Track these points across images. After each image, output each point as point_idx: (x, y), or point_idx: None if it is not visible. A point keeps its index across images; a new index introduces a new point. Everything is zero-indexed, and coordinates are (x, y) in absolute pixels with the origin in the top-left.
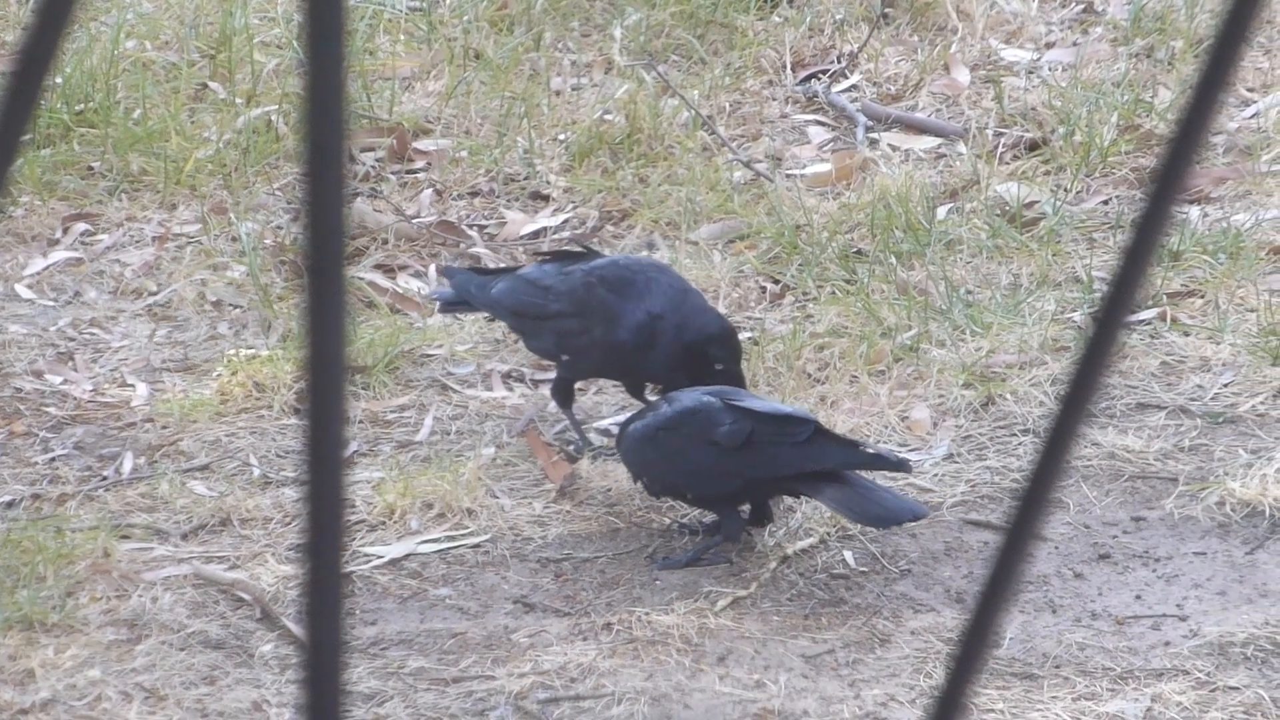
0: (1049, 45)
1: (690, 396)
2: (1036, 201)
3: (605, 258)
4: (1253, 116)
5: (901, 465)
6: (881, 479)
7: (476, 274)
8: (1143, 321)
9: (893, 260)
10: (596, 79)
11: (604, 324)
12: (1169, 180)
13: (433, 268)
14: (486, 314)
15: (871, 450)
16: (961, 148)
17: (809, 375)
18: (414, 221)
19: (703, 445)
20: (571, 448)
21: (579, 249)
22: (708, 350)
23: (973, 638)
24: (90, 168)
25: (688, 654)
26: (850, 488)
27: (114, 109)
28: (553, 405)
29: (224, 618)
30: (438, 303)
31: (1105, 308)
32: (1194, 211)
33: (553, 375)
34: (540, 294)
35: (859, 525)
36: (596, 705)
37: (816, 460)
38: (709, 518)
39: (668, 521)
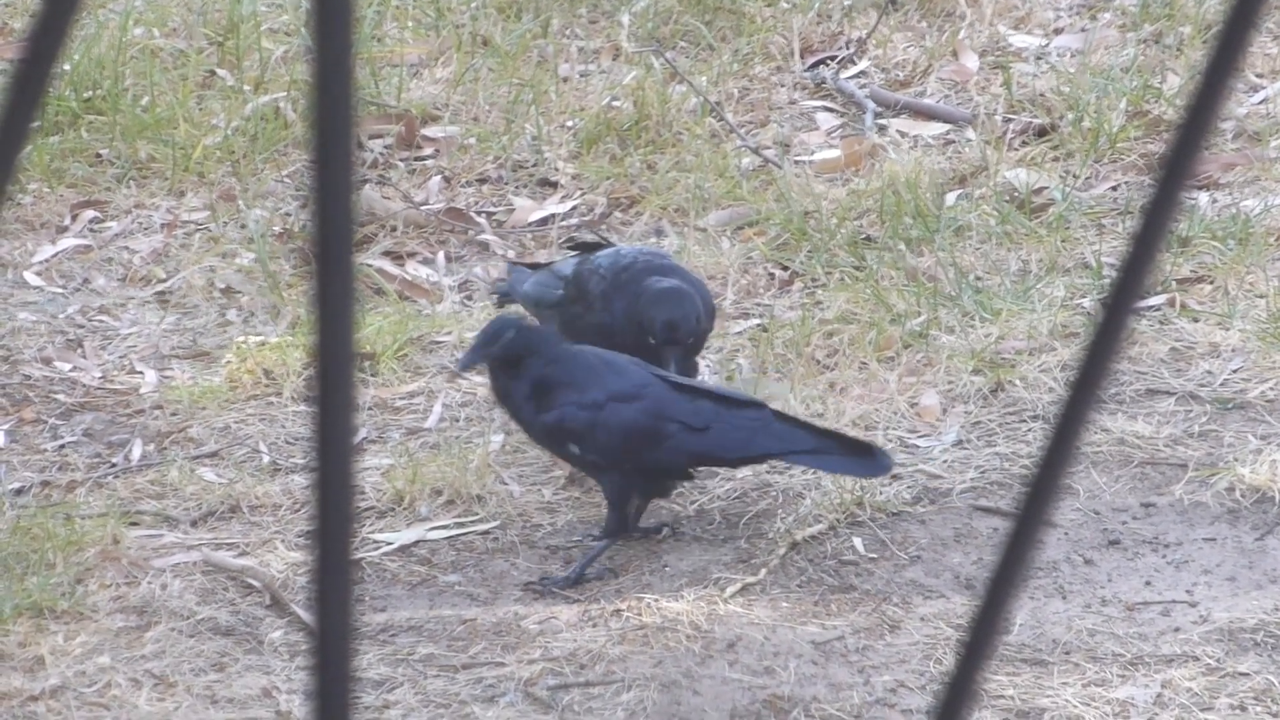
0: (1057, 31)
1: (620, 361)
2: (1045, 187)
3: (611, 246)
4: (1261, 102)
5: (865, 447)
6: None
7: (530, 269)
8: (1152, 307)
9: (902, 247)
10: (604, 65)
11: (598, 310)
12: (1178, 166)
13: (441, 255)
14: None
15: (841, 435)
16: (970, 134)
17: (818, 362)
18: (422, 208)
19: (659, 420)
20: None
21: (601, 240)
22: (651, 328)
23: (982, 624)
24: (98, 155)
25: (697, 640)
26: (813, 456)
27: (122, 96)
28: None
29: (233, 604)
30: (495, 296)
31: (1114, 294)
32: (1203, 197)
33: None
34: (553, 282)
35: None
36: (606, 691)
37: (782, 443)
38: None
39: (678, 509)
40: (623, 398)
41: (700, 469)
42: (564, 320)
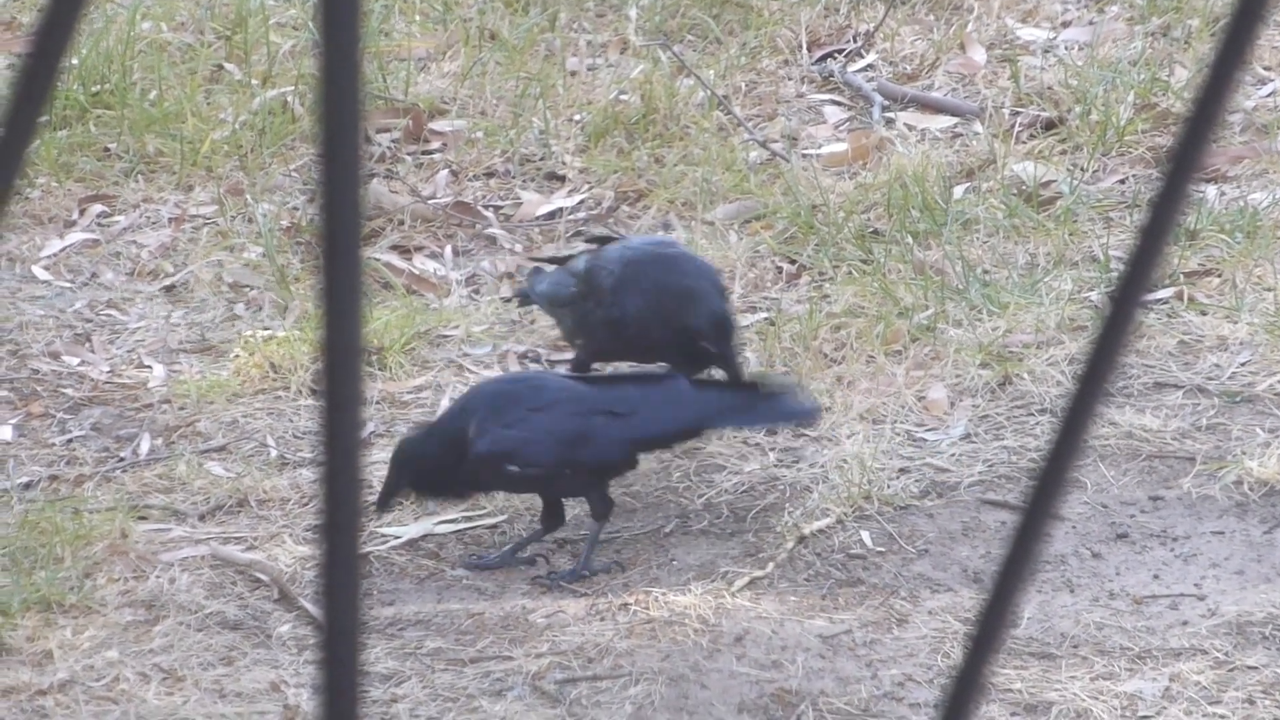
0: (1065, 24)
1: (525, 375)
2: (1053, 181)
3: (621, 239)
4: (1269, 95)
5: (789, 391)
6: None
7: (552, 263)
8: (1160, 301)
9: (909, 240)
10: (612, 59)
11: (608, 306)
12: (1186, 159)
13: (448, 249)
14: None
15: (760, 387)
16: (978, 127)
17: (825, 355)
18: (430, 202)
19: (586, 416)
20: None
21: (613, 234)
22: (699, 333)
23: (990, 617)
24: (107, 149)
25: (704, 634)
26: (744, 413)
27: (130, 90)
28: None
29: (241, 598)
30: (516, 298)
31: (1122, 287)
32: (1211, 190)
33: (568, 358)
34: (567, 280)
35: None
36: (613, 685)
37: (711, 406)
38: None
39: (685, 502)
40: (541, 407)
41: (643, 454)
42: (577, 316)
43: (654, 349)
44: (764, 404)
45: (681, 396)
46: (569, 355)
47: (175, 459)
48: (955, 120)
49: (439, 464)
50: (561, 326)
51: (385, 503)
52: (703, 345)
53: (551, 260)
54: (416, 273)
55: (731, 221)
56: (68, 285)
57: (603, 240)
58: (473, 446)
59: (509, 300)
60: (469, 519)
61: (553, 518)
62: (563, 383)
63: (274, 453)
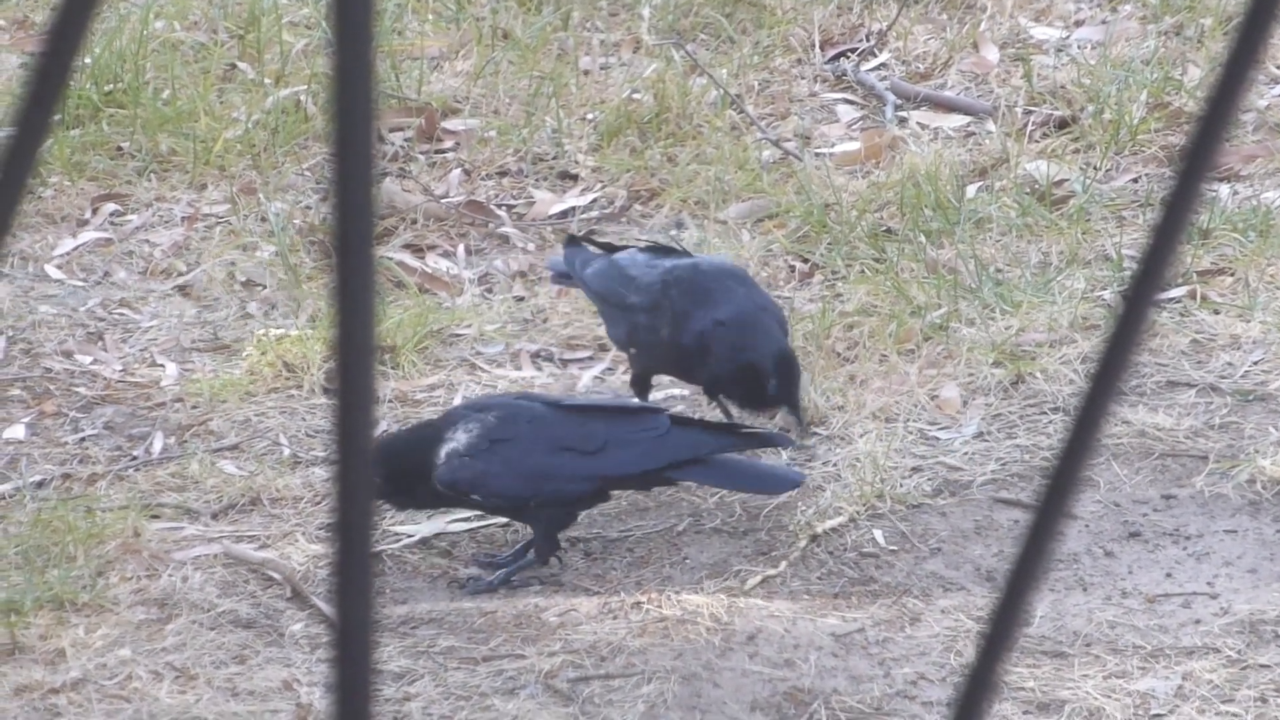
0: (1078, 23)
1: (500, 401)
2: (1066, 179)
3: (690, 258)
4: None
5: (777, 441)
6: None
7: (591, 247)
8: (1172, 299)
9: (922, 239)
10: (625, 58)
11: (671, 326)
12: (1198, 158)
13: (461, 248)
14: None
15: (744, 430)
16: (991, 126)
17: (838, 354)
18: (442, 201)
19: (551, 451)
20: None
21: (675, 246)
22: (762, 372)
23: (1003, 616)
24: (119, 148)
25: (717, 633)
26: (720, 467)
27: (143, 89)
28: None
29: (254, 597)
30: (550, 272)
31: (1135, 286)
32: (1224, 189)
33: (581, 356)
34: (624, 284)
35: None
36: (626, 684)
37: (684, 450)
38: (504, 554)
39: (697, 500)
40: (507, 439)
41: (613, 491)
42: (632, 326)
43: (715, 381)
44: (743, 467)
45: (656, 437)
46: (582, 354)
47: (188, 458)
48: (968, 119)
49: (405, 474)
50: (609, 325)
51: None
52: (765, 386)
53: (592, 242)
54: (429, 271)
55: (744, 220)
56: (80, 284)
57: (661, 249)
58: (436, 473)
59: (544, 273)
60: (481, 518)
61: (543, 543)
62: (535, 412)
63: (287, 451)
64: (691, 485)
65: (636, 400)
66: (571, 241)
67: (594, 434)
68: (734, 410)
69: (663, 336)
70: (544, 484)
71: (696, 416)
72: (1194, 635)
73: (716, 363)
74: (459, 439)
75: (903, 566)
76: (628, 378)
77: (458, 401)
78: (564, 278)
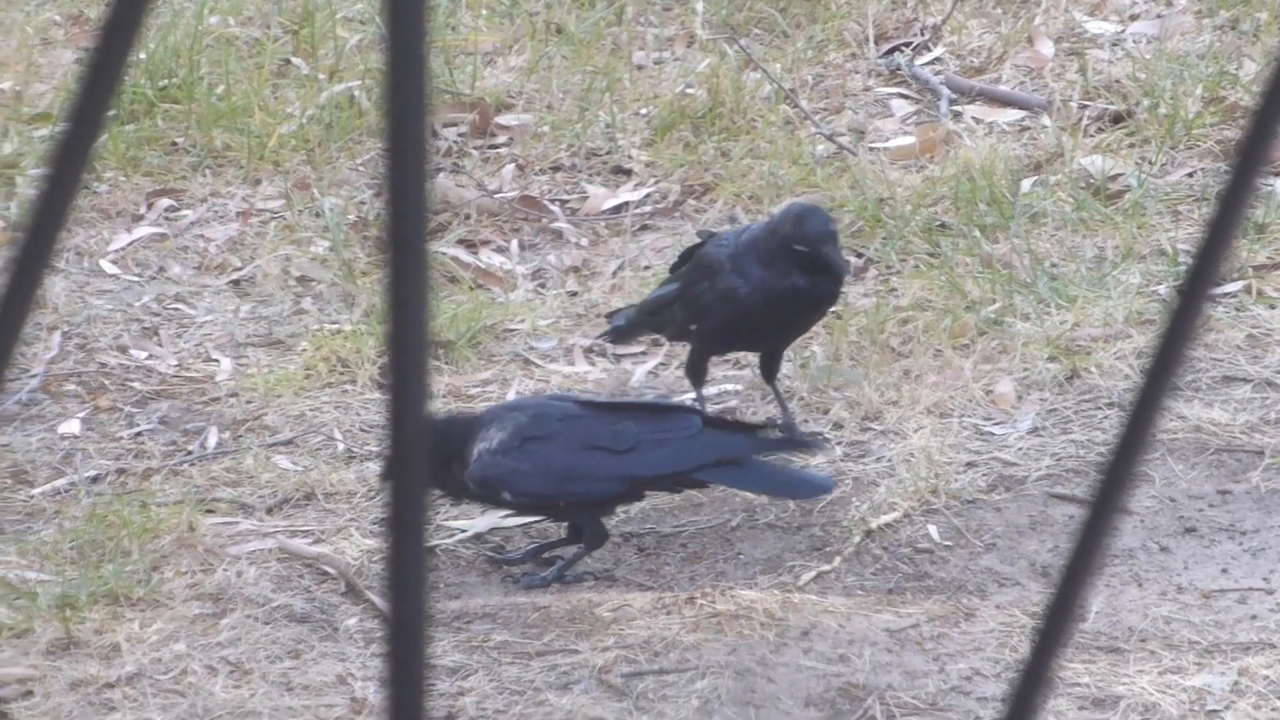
0: (1133, 17)
1: (534, 402)
2: (1121, 174)
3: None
4: None
5: (810, 446)
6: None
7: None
8: (1228, 294)
9: (977, 233)
10: (678, 53)
11: (728, 272)
12: (1254, 152)
13: (514, 243)
14: (648, 331)
15: (774, 435)
16: (1045, 120)
17: (893, 349)
18: (496, 196)
19: (581, 451)
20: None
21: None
22: (802, 239)
23: (1058, 611)
24: (174, 143)
25: (771, 628)
26: (751, 470)
27: (197, 85)
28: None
29: (308, 592)
30: (607, 336)
31: (1190, 280)
32: (1279, 184)
33: (634, 351)
34: (658, 294)
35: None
36: (680, 679)
37: (715, 452)
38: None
39: (750, 496)
40: (539, 437)
41: (646, 492)
42: (685, 302)
43: (771, 301)
44: (774, 471)
45: (687, 437)
46: (635, 349)
47: (242, 452)
48: (1023, 113)
49: (438, 461)
50: (668, 329)
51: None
52: (801, 249)
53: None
54: (482, 266)
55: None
56: (135, 279)
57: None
58: (468, 468)
59: (603, 339)
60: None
61: (592, 535)
62: (567, 411)
63: (341, 446)
64: None
65: (670, 399)
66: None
67: (625, 433)
68: (788, 405)
69: (718, 288)
70: (574, 484)
71: (732, 418)
72: (1250, 631)
73: (763, 269)
74: (492, 437)
75: (957, 562)
76: (679, 373)
77: (510, 397)
78: (623, 331)
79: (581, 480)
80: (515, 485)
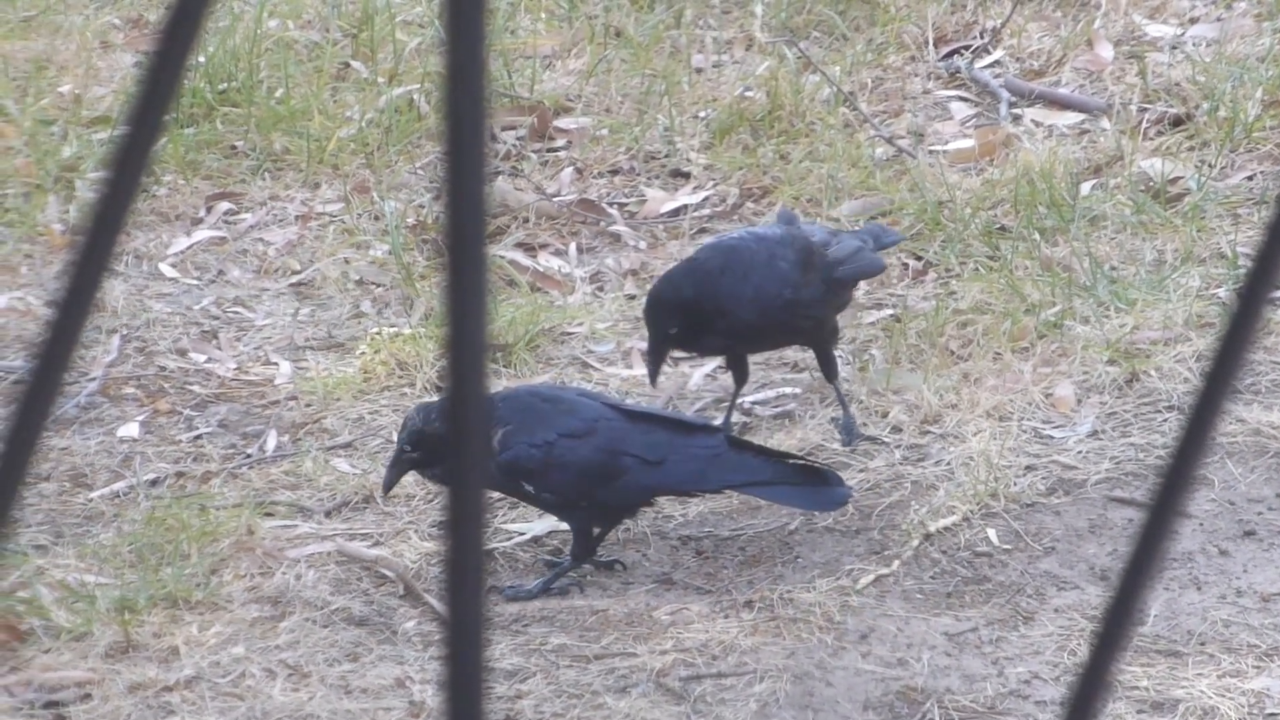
0: (1193, 20)
1: (561, 394)
2: (1181, 177)
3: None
4: None
5: (828, 479)
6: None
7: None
8: None
9: (1036, 236)
10: (738, 56)
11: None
12: None
13: (573, 246)
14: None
15: (797, 462)
16: (1105, 123)
17: (952, 353)
18: (555, 200)
19: (616, 455)
20: (735, 430)
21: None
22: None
23: (1117, 615)
24: (233, 147)
25: (829, 632)
26: (766, 485)
27: (257, 88)
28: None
29: (367, 595)
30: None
31: (1250, 283)
32: None
33: (691, 354)
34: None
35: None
36: (738, 683)
37: (738, 475)
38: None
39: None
40: (575, 435)
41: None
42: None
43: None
44: (793, 488)
45: (712, 455)
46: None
47: (301, 456)
48: (1083, 117)
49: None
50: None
51: (389, 484)
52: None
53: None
54: (541, 270)
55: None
56: (195, 282)
57: None
58: (495, 456)
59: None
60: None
61: (580, 548)
62: (599, 412)
63: None
64: None
65: (689, 416)
66: None
67: (658, 444)
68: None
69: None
70: (601, 486)
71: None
72: None
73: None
74: (523, 426)
75: (1016, 565)
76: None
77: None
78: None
79: (612, 486)
80: (546, 479)
